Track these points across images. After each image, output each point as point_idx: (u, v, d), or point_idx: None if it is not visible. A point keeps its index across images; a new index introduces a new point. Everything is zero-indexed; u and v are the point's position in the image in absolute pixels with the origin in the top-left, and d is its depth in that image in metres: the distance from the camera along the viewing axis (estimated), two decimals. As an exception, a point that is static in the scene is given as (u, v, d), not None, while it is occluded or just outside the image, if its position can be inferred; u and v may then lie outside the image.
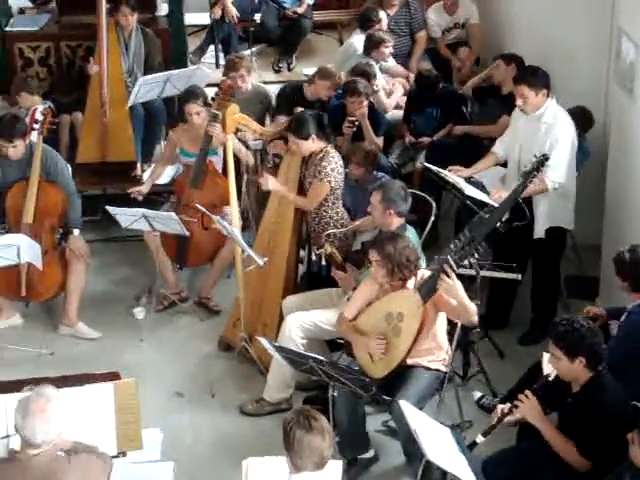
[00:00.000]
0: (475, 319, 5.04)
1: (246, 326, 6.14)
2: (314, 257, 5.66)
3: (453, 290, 4.91)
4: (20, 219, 6.37)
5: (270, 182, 6.13)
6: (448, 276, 4.89)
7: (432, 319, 5.08)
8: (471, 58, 8.69)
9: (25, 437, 3.74)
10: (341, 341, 5.70)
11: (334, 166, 6.10)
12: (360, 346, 5.20)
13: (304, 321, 5.69)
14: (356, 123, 6.97)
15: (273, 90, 7.79)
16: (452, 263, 4.85)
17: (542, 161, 5.59)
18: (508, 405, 4.61)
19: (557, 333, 4.47)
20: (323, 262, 5.69)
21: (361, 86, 7.02)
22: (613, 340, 5.06)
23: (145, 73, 7.82)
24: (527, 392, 4.54)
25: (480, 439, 4.55)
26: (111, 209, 6.39)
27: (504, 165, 6.44)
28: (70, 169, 6.90)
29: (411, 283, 5.12)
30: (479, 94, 7.88)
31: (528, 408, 4.51)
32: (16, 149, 6.34)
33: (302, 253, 6.63)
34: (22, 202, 6.38)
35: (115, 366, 5.19)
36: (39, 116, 6.60)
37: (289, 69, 9.68)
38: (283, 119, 7.04)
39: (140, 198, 6.95)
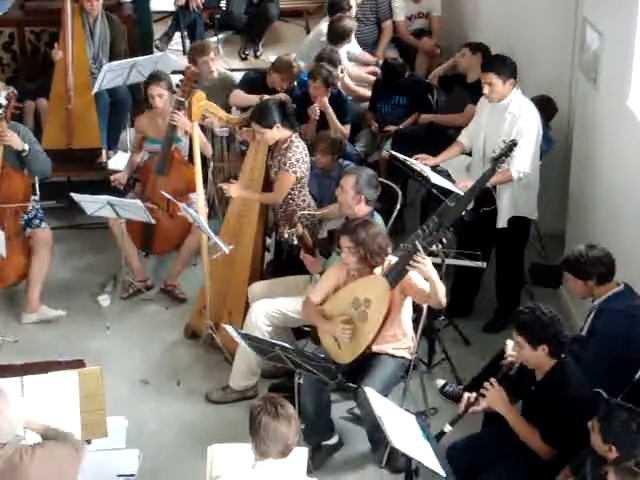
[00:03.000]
0: (444, 300, 5.05)
1: (212, 314, 6.14)
2: (286, 236, 5.64)
3: (426, 271, 4.92)
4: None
5: (233, 189, 6.12)
6: (416, 261, 4.89)
7: (399, 305, 5.11)
8: (433, 48, 8.71)
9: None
10: (307, 329, 5.71)
11: (299, 156, 6.10)
12: (326, 331, 5.21)
13: (270, 308, 5.69)
14: (316, 111, 6.98)
15: (239, 77, 7.77)
16: (420, 248, 4.86)
17: (511, 146, 5.64)
18: (474, 394, 4.64)
19: (520, 321, 4.51)
20: (294, 242, 5.67)
21: (324, 71, 7.03)
22: (591, 348, 4.90)
23: (110, 59, 7.80)
24: (492, 380, 4.57)
25: (448, 428, 4.58)
26: (76, 196, 6.35)
27: (469, 154, 6.48)
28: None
29: (378, 269, 5.13)
30: (445, 83, 7.90)
31: (494, 396, 4.55)
32: None
33: (268, 241, 6.63)
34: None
35: (80, 353, 5.16)
36: (2, 101, 6.53)
37: (256, 56, 9.67)
38: (239, 92, 7.06)
39: (121, 188, 6.90)
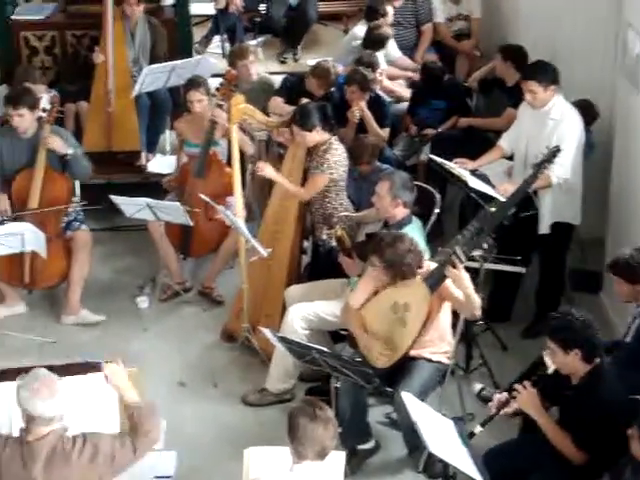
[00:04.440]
0: (478, 313, 5.04)
1: (249, 317, 6.14)
2: (324, 237, 5.64)
3: (460, 281, 4.90)
4: (25, 206, 6.39)
5: (267, 169, 6.13)
6: (455, 267, 4.88)
7: (437, 310, 5.09)
8: (473, 50, 8.67)
9: (35, 414, 3.74)
10: (344, 332, 5.70)
11: (337, 158, 6.11)
12: (364, 346, 5.18)
13: (307, 312, 5.69)
14: (356, 115, 6.99)
15: (278, 81, 7.78)
16: (460, 254, 4.84)
17: (555, 152, 5.60)
18: (505, 394, 4.60)
19: (551, 327, 4.48)
20: (333, 244, 5.66)
21: (358, 76, 7.03)
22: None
23: (151, 63, 7.83)
24: (525, 383, 4.54)
25: (478, 429, 4.55)
26: (115, 198, 6.39)
27: (509, 158, 6.44)
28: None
29: (418, 273, 5.10)
30: (484, 86, 7.87)
31: (525, 399, 4.52)
32: (22, 119, 6.33)
33: (305, 244, 6.63)
34: (28, 189, 6.40)
35: (119, 355, 5.18)
36: (46, 104, 6.59)
37: (294, 60, 9.67)
38: (278, 100, 7.08)
39: (173, 190, 6.94)
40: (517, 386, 4.54)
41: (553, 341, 4.45)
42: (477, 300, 4.99)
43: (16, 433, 3.96)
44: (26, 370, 4.26)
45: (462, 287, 4.92)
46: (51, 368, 4.28)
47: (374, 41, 7.89)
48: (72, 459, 3.74)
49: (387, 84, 7.83)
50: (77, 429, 4.10)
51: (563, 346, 4.41)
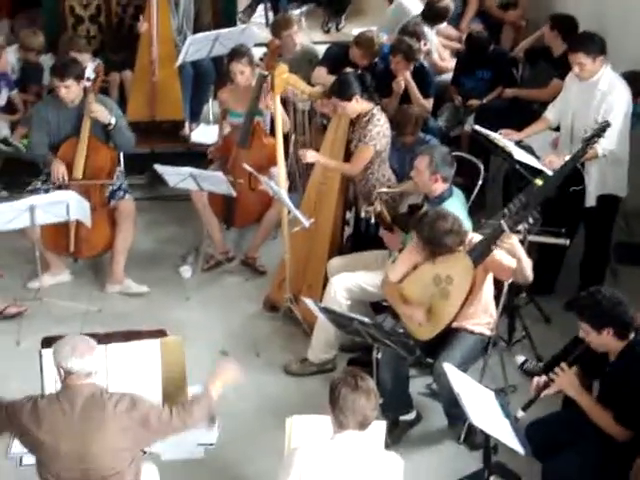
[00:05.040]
0: (531, 275, 4.98)
1: (291, 287, 6.16)
2: (363, 214, 5.63)
3: (514, 250, 4.86)
4: (70, 175, 6.44)
5: (309, 155, 6.11)
6: (504, 240, 4.83)
7: (481, 282, 5.05)
8: (519, 20, 8.56)
9: (72, 371, 3.86)
10: (385, 303, 5.70)
11: (380, 129, 6.07)
12: (405, 315, 5.18)
13: (349, 283, 5.69)
14: (400, 85, 6.94)
15: (321, 51, 7.75)
16: (505, 228, 4.79)
17: (604, 127, 5.51)
18: (544, 378, 4.58)
19: (580, 307, 4.45)
20: (372, 220, 5.66)
21: (404, 46, 6.97)
22: None
23: (195, 32, 7.83)
24: (562, 365, 4.51)
25: (520, 414, 4.52)
26: (159, 168, 6.41)
27: (555, 129, 6.37)
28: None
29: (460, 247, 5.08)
30: (530, 56, 7.78)
31: (564, 380, 4.49)
32: (68, 90, 6.36)
33: (348, 215, 6.62)
34: (73, 158, 6.44)
35: (161, 324, 5.23)
36: (91, 74, 6.62)
37: (338, 29, 9.63)
38: (322, 70, 7.04)
39: (217, 160, 6.96)
40: (556, 369, 4.51)
41: (584, 321, 4.42)
42: (529, 263, 4.93)
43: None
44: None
45: (515, 254, 4.87)
46: (95, 336, 4.36)
47: (436, 14, 7.81)
48: (108, 407, 3.85)
49: (436, 59, 7.77)
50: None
51: (595, 325, 4.38)
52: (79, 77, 6.39)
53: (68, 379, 3.89)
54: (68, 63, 6.50)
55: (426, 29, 7.61)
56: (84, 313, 6.32)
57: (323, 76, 7.19)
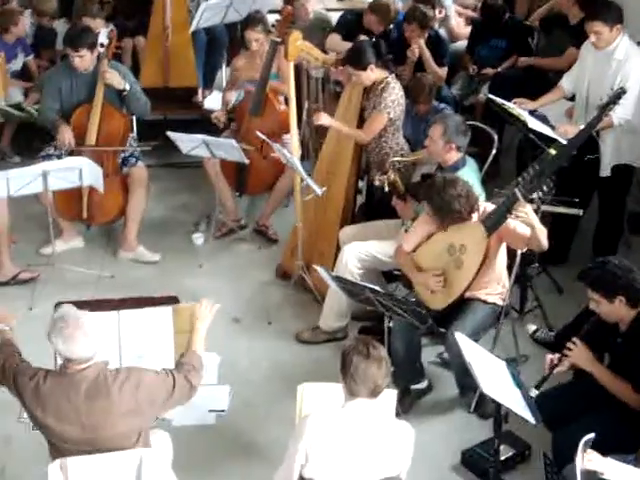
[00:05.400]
0: (546, 243, 4.96)
1: (303, 255, 6.16)
2: (377, 183, 5.62)
3: (529, 218, 4.84)
4: (83, 141, 6.44)
5: (323, 118, 6.08)
6: (519, 208, 4.81)
7: (494, 252, 5.04)
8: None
9: (72, 357, 3.75)
10: (398, 272, 5.70)
11: (394, 97, 6.03)
12: (418, 283, 5.18)
13: (361, 251, 5.69)
14: (415, 52, 6.90)
15: (335, 18, 7.70)
16: (519, 196, 4.77)
17: (619, 94, 5.46)
18: (557, 355, 4.58)
19: (591, 277, 4.44)
20: (386, 189, 5.64)
21: (418, 14, 6.92)
22: None
23: (208, -2, 7.79)
24: (574, 339, 4.50)
25: (533, 392, 4.51)
26: (172, 135, 6.41)
27: (570, 99, 6.32)
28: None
29: (474, 216, 5.05)
30: (546, 25, 7.71)
31: (577, 355, 4.49)
32: (82, 60, 6.34)
33: (360, 184, 6.61)
34: (86, 124, 6.44)
35: (174, 291, 5.24)
36: (104, 39, 6.60)
37: (352, -4, 9.55)
38: (336, 36, 6.99)
39: (221, 125, 6.95)
40: (568, 344, 4.51)
41: (595, 291, 4.41)
42: (544, 231, 4.91)
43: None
44: (85, 303, 4.36)
45: (531, 224, 4.85)
46: (108, 301, 4.37)
47: None
48: (113, 391, 3.76)
49: (453, 25, 7.72)
50: (132, 362, 4.17)
51: (606, 295, 4.37)
52: (92, 46, 6.36)
53: (68, 366, 3.78)
54: (81, 32, 6.45)
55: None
56: (96, 279, 6.34)
57: (337, 42, 7.15)
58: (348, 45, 6.84)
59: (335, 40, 7.18)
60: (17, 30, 7.65)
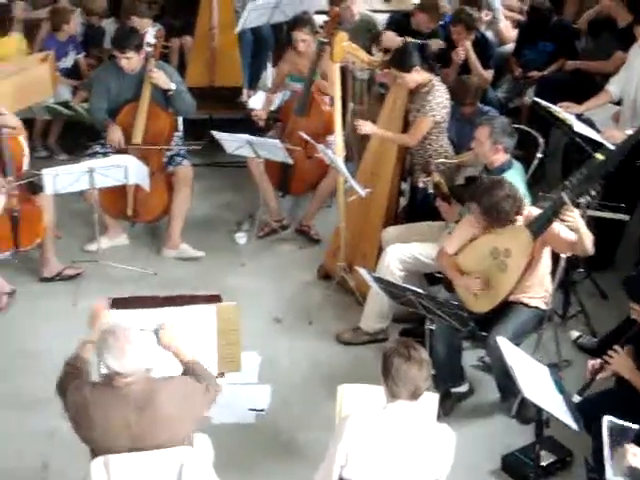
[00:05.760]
0: (592, 249, 4.92)
1: (345, 256, 6.17)
2: (421, 184, 5.61)
3: (575, 223, 4.81)
4: (129, 140, 6.49)
5: (367, 126, 6.08)
6: (566, 213, 4.78)
7: (539, 256, 5.00)
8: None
9: (118, 372, 3.75)
10: (440, 275, 5.68)
11: (439, 100, 6.02)
12: (460, 286, 5.16)
13: (403, 253, 5.68)
14: (460, 55, 6.88)
15: (381, 19, 7.70)
16: (567, 200, 4.73)
17: None
18: (599, 361, 4.54)
19: (629, 288, 4.39)
20: (430, 190, 5.63)
21: (464, 15, 6.90)
22: None
23: (255, -1, 7.83)
24: (616, 347, 4.46)
25: (576, 398, 4.48)
26: (217, 134, 6.45)
27: (616, 103, 6.27)
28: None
29: (519, 220, 5.02)
30: (593, 28, 7.64)
31: (618, 363, 4.45)
32: (129, 61, 6.41)
33: (403, 185, 6.60)
34: (132, 123, 6.50)
35: (216, 289, 5.26)
36: (151, 39, 6.65)
37: (398, -2, 9.53)
38: (391, 33, 6.99)
39: (261, 123, 6.97)
40: (609, 351, 4.47)
41: (636, 302, 4.37)
42: (590, 236, 4.87)
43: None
44: (129, 300, 4.39)
45: (577, 230, 4.82)
46: (152, 298, 4.40)
47: None
48: (161, 401, 3.77)
49: (502, 28, 7.68)
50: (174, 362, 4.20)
51: None
52: (139, 47, 6.43)
53: (114, 379, 3.78)
54: (128, 34, 6.52)
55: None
56: (140, 276, 6.39)
57: (393, 38, 7.12)
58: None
59: (391, 36, 7.14)
60: (69, 28, 7.74)
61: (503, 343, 4.43)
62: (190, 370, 4.04)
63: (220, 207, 7.34)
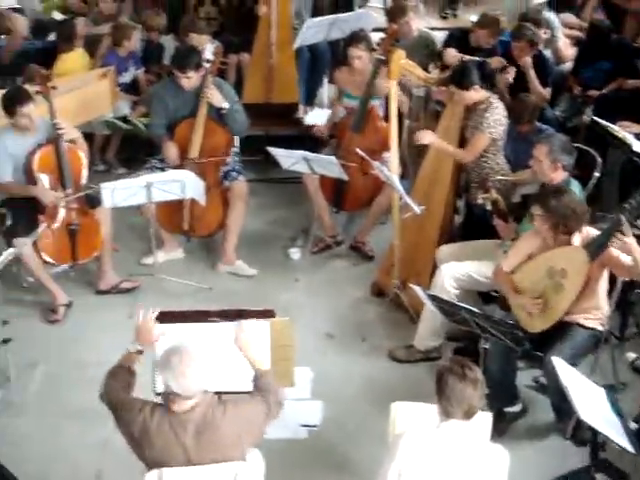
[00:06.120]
0: None
1: (399, 273, 6.15)
2: (480, 201, 5.60)
3: (629, 247, 4.75)
4: (186, 155, 6.55)
5: (427, 136, 6.08)
6: (624, 233, 4.73)
7: (596, 278, 4.96)
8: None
9: (177, 393, 3.77)
10: (495, 294, 5.64)
11: (497, 117, 6.00)
12: (516, 304, 5.13)
13: (458, 271, 5.65)
14: (511, 74, 6.84)
15: (439, 36, 7.70)
16: (624, 222, 4.68)
17: None
18: None
19: None
20: (487, 207, 5.61)
21: (528, 32, 6.87)
22: None
23: (313, 16, 7.86)
24: None
25: (633, 426, 4.42)
26: (273, 150, 6.47)
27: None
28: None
29: (576, 240, 4.99)
30: (655, 46, 7.58)
31: None
32: (189, 80, 6.47)
33: (459, 203, 6.58)
34: (189, 138, 6.56)
35: (269, 304, 5.27)
36: (209, 55, 6.71)
37: (455, 16, 9.54)
38: (452, 50, 6.97)
39: (322, 137, 7.01)
40: None
41: None
42: None
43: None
44: (184, 314, 4.41)
45: (632, 253, 4.76)
46: (207, 313, 4.43)
47: (560, 2, 7.70)
48: (220, 426, 3.79)
49: (560, 46, 7.64)
50: (230, 374, 4.21)
51: None
52: (199, 66, 6.49)
53: (175, 401, 3.79)
54: (187, 54, 6.57)
55: (552, 16, 7.49)
56: (195, 290, 6.44)
57: (455, 55, 7.11)
58: (465, 57, 6.83)
59: (452, 53, 7.13)
60: (130, 44, 7.85)
61: (559, 364, 4.39)
62: (259, 378, 4.06)
63: (274, 223, 7.37)
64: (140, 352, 4.17)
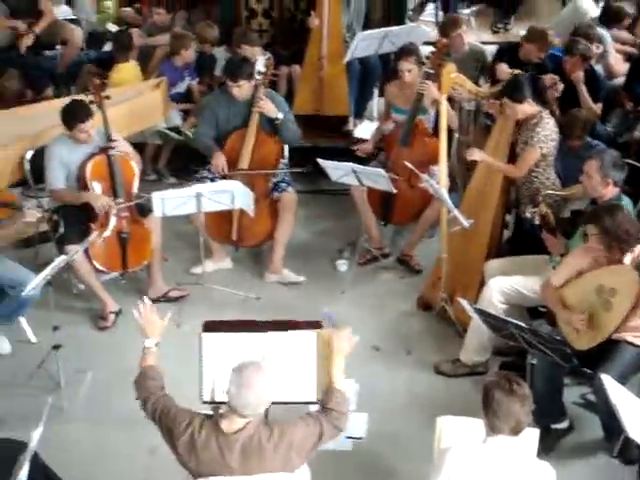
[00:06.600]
0: None
1: (447, 287, 6.14)
2: (529, 215, 5.58)
3: None
4: (236, 166, 6.61)
5: (476, 153, 6.08)
6: None
7: (645, 297, 4.92)
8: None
9: (235, 407, 3.78)
10: (543, 309, 5.61)
11: (547, 132, 5.98)
12: (563, 320, 5.09)
13: (506, 286, 5.63)
14: (558, 89, 6.80)
15: (489, 50, 7.68)
16: None
17: None
18: None
19: None
20: (536, 222, 5.59)
21: (582, 46, 6.84)
22: None
23: (364, 29, 7.89)
24: None
25: None
26: (322, 162, 6.50)
27: None
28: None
29: (627, 259, 4.95)
30: None
31: None
32: (240, 89, 6.54)
33: (508, 217, 6.55)
34: (240, 149, 6.61)
35: (316, 315, 5.29)
36: (261, 67, 6.77)
37: (506, 30, 9.51)
38: (504, 65, 6.96)
39: (364, 156, 7.03)
40: None
41: None
42: None
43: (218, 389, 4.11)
44: (232, 323, 4.44)
45: None
46: (255, 323, 4.45)
47: (612, 17, 7.67)
48: (267, 451, 3.79)
49: (612, 63, 7.60)
50: (275, 386, 4.22)
51: None
52: (250, 76, 6.55)
53: (227, 416, 3.81)
54: (240, 64, 6.64)
55: (603, 31, 7.45)
56: (243, 300, 6.48)
57: (506, 71, 7.09)
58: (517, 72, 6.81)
59: (504, 68, 7.11)
60: (187, 54, 7.94)
61: (609, 382, 4.35)
62: (328, 394, 4.06)
63: (322, 234, 7.40)
64: (156, 345, 4.28)
